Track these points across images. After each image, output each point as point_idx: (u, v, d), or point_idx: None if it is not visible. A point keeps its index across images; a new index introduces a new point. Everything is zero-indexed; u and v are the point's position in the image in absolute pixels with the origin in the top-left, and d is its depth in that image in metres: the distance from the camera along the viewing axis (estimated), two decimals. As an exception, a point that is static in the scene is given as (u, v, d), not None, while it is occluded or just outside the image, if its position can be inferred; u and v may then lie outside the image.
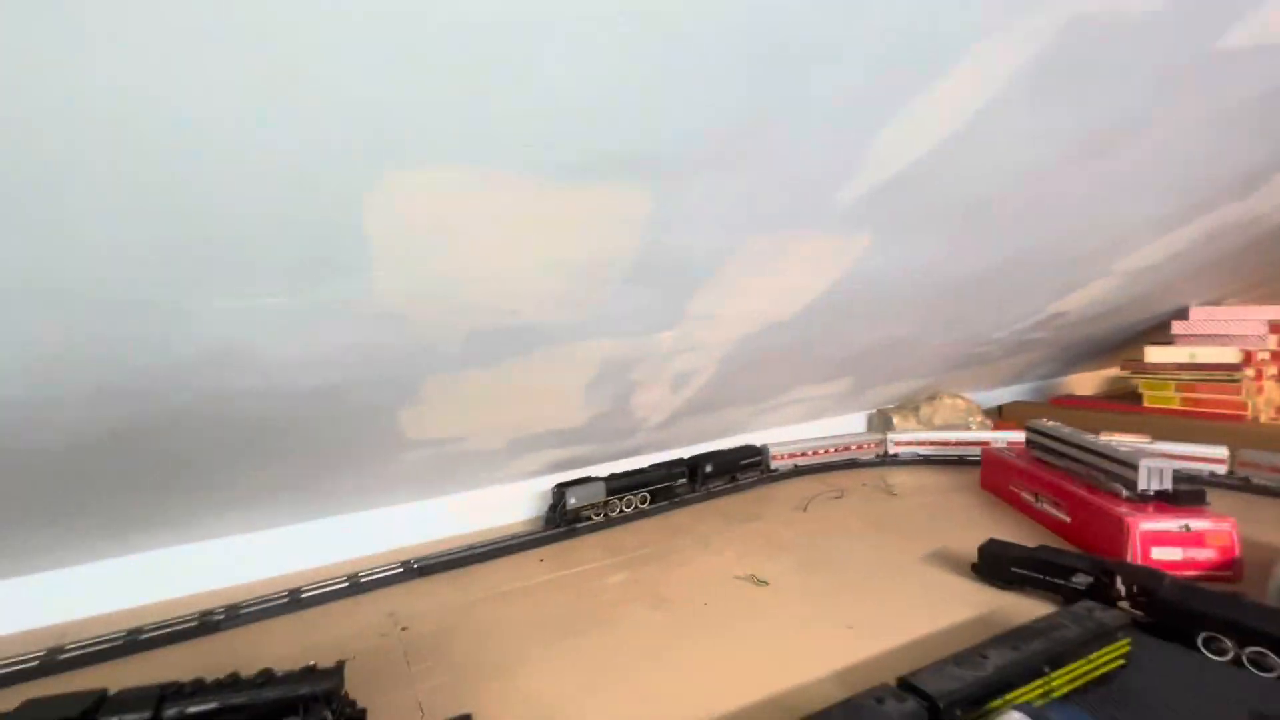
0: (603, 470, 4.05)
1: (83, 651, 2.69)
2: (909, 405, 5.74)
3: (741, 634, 2.69)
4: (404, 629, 2.85)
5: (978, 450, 4.76)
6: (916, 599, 2.92)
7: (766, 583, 3.13)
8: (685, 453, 4.49)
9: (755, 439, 4.83)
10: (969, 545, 3.18)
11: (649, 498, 4.13)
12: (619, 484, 4.01)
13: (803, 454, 4.88)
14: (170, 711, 2.01)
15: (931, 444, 5.09)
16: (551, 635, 2.74)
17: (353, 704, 2.23)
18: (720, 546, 3.62)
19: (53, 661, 2.62)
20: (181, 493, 2.69)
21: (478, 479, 3.71)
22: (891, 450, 5.07)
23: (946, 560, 3.30)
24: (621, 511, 4.02)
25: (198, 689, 2.07)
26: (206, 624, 2.90)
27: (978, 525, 3.76)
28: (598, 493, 3.90)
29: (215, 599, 3.09)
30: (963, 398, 5.78)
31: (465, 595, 3.16)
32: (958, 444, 5.06)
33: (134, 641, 2.77)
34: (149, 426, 2.21)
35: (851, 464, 4.99)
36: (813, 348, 3.88)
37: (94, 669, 2.65)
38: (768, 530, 3.82)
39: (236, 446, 2.52)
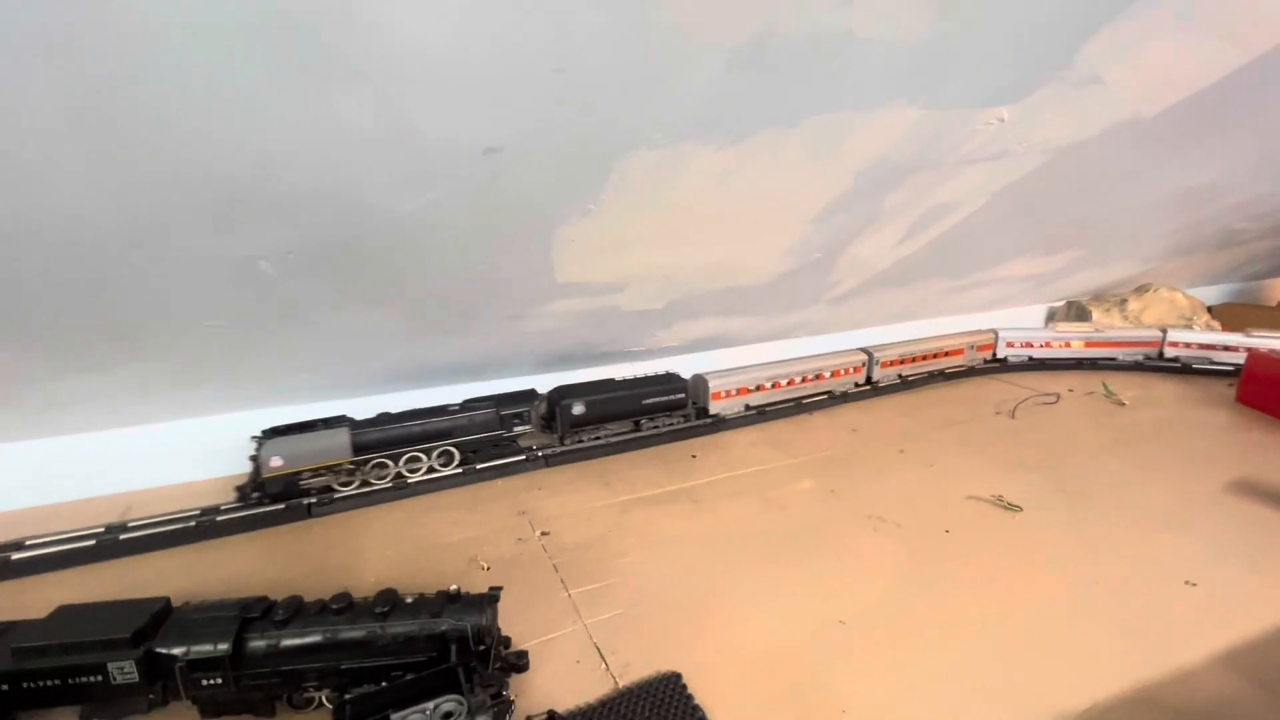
0: (743, 359, 3.23)
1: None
2: (1110, 298, 4.60)
3: (1030, 582, 1.88)
4: (544, 534, 2.17)
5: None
6: (1260, 547, 2.04)
7: (1019, 508, 2.29)
8: (841, 343, 3.59)
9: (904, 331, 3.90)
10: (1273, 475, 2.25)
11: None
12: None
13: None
14: (257, 643, 1.36)
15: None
16: (745, 558, 2.01)
17: (506, 642, 1.56)
18: (924, 455, 2.78)
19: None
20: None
21: (615, 350, 2.90)
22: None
23: (1268, 496, 2.38)
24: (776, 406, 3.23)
25: (294, 612, 1.41)
26: (294, 509, 2.29)
27: (1266, 450, 2.79)
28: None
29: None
30: (1182, 293, 4.59)
31: (606, 496, 2.46)
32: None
33: (209, 525, 2.18)
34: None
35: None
36: (1101, 189, 2.76)
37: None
38: (977, 439, 2.94)
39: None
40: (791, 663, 1.56)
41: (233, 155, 1.29)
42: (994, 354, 4.06)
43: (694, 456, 2.81)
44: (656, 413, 2.95)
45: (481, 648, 1.41)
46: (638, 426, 2.92)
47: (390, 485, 2.44)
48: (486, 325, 2.24)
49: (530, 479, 2.62)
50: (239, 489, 2.31)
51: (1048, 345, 4.09)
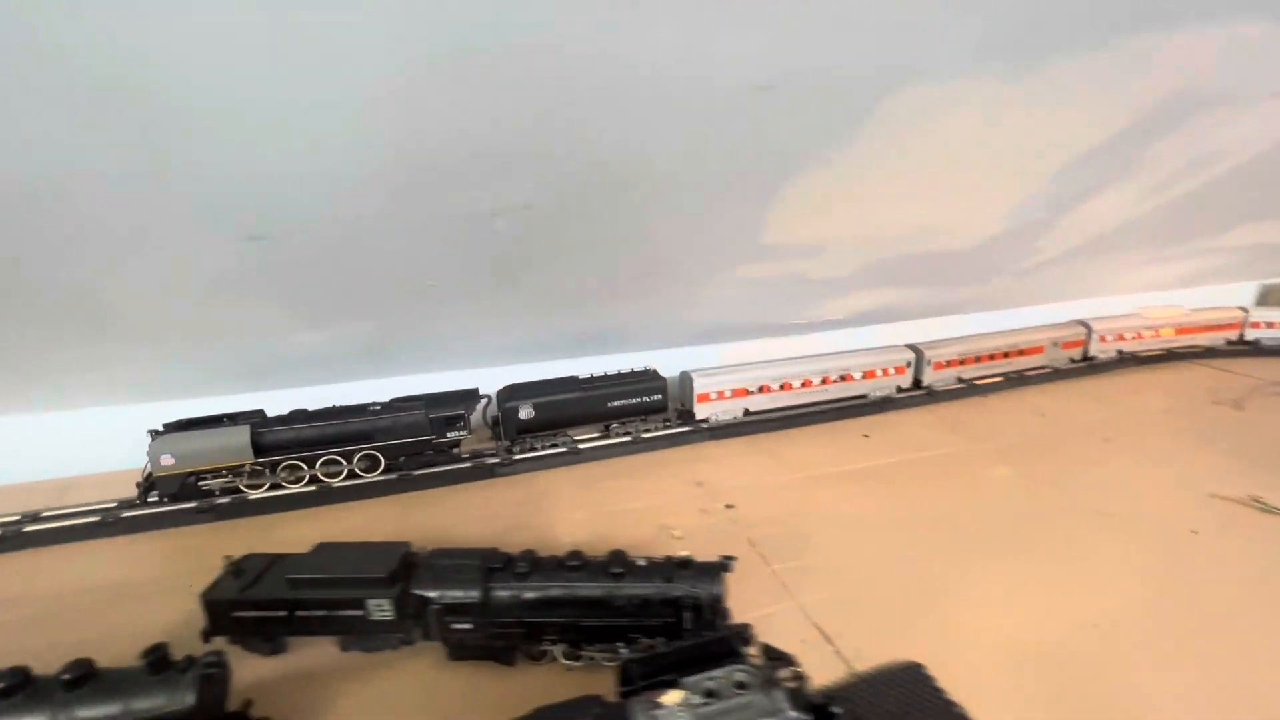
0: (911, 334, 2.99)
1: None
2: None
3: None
4: (728, 507, 2.12)
5: None
6: None
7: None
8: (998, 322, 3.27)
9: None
10: None
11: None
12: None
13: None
14: (501, 593, 1.39)
15: None
16: (959, 547, 1.86)
17: (725, 613, 1.51)
18: (1136, 446, 2.48)
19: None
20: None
21: (781, 321, 2.78)
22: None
23: None
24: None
25: (532, 566, 1.43)
26: (480, 468, 2.37)
27: None
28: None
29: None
30: None
31: (779, 471, 2.36)
32: None
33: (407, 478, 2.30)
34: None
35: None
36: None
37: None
38: (1198, 430, 2.58)
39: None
40: (1051, 664, 1.41)
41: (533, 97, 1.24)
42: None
43: (866, 436, 2.66)
44: (627, 416, 2.52)
45: (712, 617, 1.38)
46: (606, 431, 2.54)
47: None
48: (668, 289, 2.19)
49: (696, 450, 2.58)
50: (138, 485, 2.10)
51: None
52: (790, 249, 2.02)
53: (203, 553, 1.74)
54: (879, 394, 2.91)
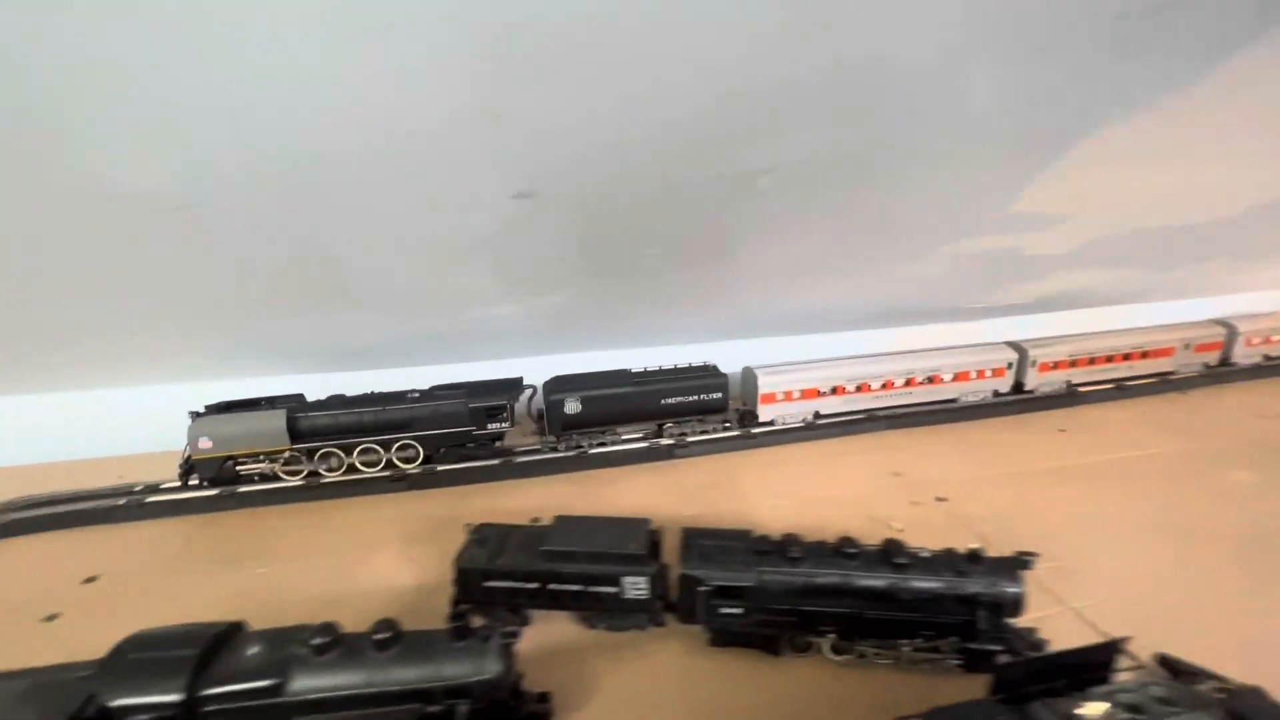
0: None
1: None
2: None
3: None
4: (940, 500, 1.97)
5: None
6: None
7: None
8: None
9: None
10: None
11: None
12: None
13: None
14: (774, 578, 1.29)
15: None
16: (1225, 557, 1.64)
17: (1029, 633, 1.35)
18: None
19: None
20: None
21: (961, 305, 2.59)
22: None
23: None
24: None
25: (805, 552, 1.33)
26: (656, 449, 2.30)
27: None
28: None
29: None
30: None
31: (977, 465, 2.19)
32: None
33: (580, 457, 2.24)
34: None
35: None
36: None
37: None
38: None
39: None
40: None
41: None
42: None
43: (1062, 431, 2.44)
44: (683, 415, 2.30)
45: (1012, 617, 1.24)
46: (659, 430, 2.32)
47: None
48: (880, 263, 2.03)
49: (878, 439, 2.42)
50: (180, 467, 2.01)
51: None
52: (1038, 218, 1.83)
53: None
54: (972, 398, 2.59)
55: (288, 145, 1.25)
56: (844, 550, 1.31)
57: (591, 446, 2.26)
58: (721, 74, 1.23)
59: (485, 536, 1.48)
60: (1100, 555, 1.67)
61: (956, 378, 2.55)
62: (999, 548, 1.70)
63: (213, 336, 2.02)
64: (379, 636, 1.07)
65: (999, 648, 1.24)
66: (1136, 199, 1.84)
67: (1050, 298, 2.73)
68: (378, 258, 1.64)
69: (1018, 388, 2.65)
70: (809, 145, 1.36)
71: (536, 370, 2.29)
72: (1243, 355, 2.89)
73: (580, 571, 1.36)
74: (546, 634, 1.44)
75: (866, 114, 1.31)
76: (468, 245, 1.59)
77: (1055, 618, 1.44)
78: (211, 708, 1.00)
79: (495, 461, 2.18)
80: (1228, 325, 2.87)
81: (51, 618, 1.56)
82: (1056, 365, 2.65)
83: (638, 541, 1.38)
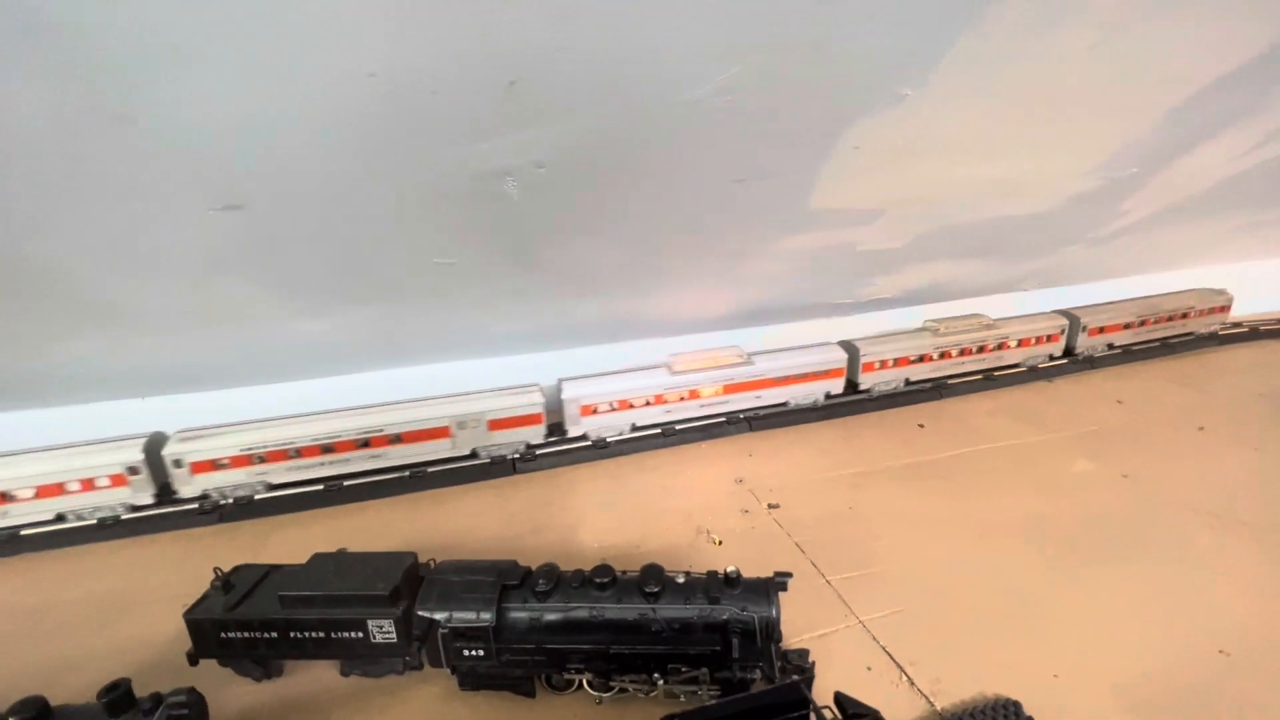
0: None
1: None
2: None
3: None
4: (772, 507, 1.90)
5: None
6: None
7: None
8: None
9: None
10: None
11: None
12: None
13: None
14: (519, 614, 1.19)
15: None
16: (1043, 553, 1.61)
17: (797, 656, 1.28)
18: (1238, 435, 2.19)
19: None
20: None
21: (818, 303, 2.54)
22: None
23: None
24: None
25: (555, 583, 1.23)
26: (498, 464, 2.19)
27: None
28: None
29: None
30: None
31: (828, 466, 2.13)
32: None
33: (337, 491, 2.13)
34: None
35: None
36: None
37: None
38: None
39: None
40: (1178, 704, 1.17)
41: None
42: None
43: (921, 426, 2.41)
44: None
45: (766, 643, 1.17)
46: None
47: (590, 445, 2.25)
48: (703, 263, 1.95)
49: (733, 443, 2.35)
50: None
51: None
52: (842, 214, 1.76)
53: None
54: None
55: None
56: (596, 580, 1.22)
57: (430, 466, 2.15)
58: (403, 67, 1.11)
59: (235, 581, 1.35)
60: (913, 560, 1.62)
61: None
62: (814, 556, 1.66)
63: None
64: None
65: (753, 676, 1.17)
66: (944, 194, 1.79)
67: (920, 290, 2.69)
68: (129, 277, 1.49)
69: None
70: (545, 144, 1.26)
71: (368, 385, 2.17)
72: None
73: (319, 618, 1.25)
74: (300, 684, 1.33)
75: (597, 110, 1.21)
76: (206, 261, 1.45)
77: (841, 633, 1.38)
78: None
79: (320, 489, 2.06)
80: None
81: None
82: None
83: (386, 581, 1.27)
